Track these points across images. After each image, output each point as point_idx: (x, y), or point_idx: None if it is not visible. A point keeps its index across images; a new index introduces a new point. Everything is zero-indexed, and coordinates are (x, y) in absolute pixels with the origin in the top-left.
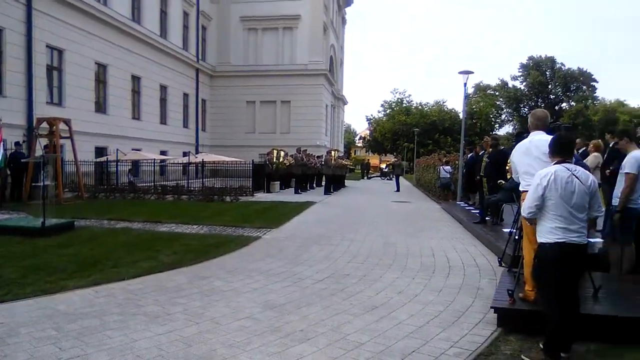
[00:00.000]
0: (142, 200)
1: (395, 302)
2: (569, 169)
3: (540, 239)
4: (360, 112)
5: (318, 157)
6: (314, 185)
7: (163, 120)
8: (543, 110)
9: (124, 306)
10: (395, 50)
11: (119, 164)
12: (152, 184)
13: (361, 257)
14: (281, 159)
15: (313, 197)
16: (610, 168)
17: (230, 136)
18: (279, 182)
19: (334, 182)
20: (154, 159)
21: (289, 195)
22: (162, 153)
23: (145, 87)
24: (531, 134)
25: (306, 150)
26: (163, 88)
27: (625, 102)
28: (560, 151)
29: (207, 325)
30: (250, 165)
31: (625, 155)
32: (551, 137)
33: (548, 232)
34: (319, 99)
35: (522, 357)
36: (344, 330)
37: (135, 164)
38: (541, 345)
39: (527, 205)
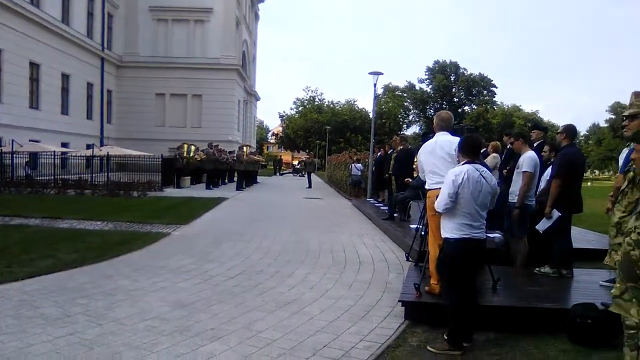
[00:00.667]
0: (41, 195)
1: (307, 298)
2: (477, 170)
3: (445, 235)
4: (273, 109)
5: (230, 152)
6: (226, 180)
7: (65, 110)
8: (447, 112)
9: (19, 308)
10: (308, 48)
11: (14, 155)
12: (52, 177)
13: (274, 254)
14: (192, 154)
15: (225, 192)
16: (507, 168)
17: (138, 129)
18: (189, 177)
19: (246, 178)
20: (54, 151)
21: (200, 191)
22: (64, 145)
23: (45, 75)
24: (436, 134)
25: (218, 145)
26: (65, 77)
27: (520, 107)
28: (470, 152)
29: (111, 327)
30: (160, 160)
31: (519, 156)
32: (455, 138)
33: (455, 228)
34: (231, 93)
35: (428, 347)
36: (255, 328)
37: (34, 156)
38: (445, 336)
39: (442, 202)
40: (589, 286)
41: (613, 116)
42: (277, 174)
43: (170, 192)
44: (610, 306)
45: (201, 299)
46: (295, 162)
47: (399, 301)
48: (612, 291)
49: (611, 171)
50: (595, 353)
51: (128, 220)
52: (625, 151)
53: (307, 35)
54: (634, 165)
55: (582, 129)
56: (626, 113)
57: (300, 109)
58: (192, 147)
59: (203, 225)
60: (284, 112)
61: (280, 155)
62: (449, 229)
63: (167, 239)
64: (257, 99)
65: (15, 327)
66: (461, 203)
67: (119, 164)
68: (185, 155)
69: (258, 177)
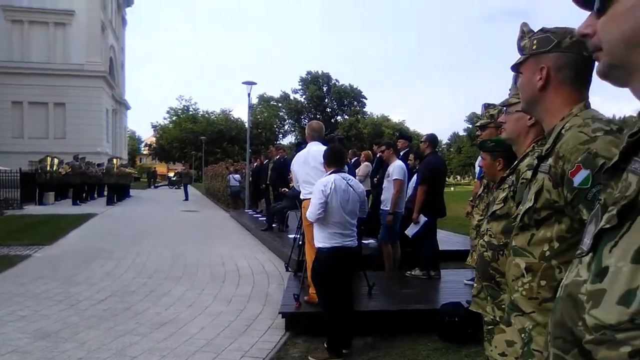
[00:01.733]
0: None
1: (185, 317)
2: (344, 178)
3: (318, 245)
4: (145, 119)
5: (99, 165)
6: (95, 195)
7: None
8: (318, 122)
9: None
10: (181, 56)
11: None
12: None
13: (148, 272)
14: (55, 167)
15: (94, 208)
16: (377, 176)
17: None
18: (53, 193)
19: (118, 192)
20: None
21: (66, 207)
22: None
23: None
24: (309, 144)
25: (84, 157)
26: None
27: (389, 117)
28: (334, 162)
29: None
30: (18, 174)
31: (388, 165)
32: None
33: (327, 237)
34: (97, 102)
35: (309, 357)
36: (130, 353)
37: None
38: (325, 345)
39: (313, 212)
40: (455, 286)
41: (470, 126)
42: (152, 186)
43: (31, 209)
44: (471, 305)
45: (67, 327)
46: (171, 174)
47: (279, 313)
48: (472, 290)
49: (471, 177)
50: (463, 348)
51: None
52: (480, 159)
53: (179, 42)
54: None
55: (444, 137)
56: (478, 124)
57: (174, 118)
58: (56, 160)
59: (69, 244)
60: (157, 122)
61: (155, 167)
62: (321, 239)
63: (27, 261)
64: (128, 108)
65: None
66: (331, 212)
67: None
68: (48, 169)
69: (131, 190)
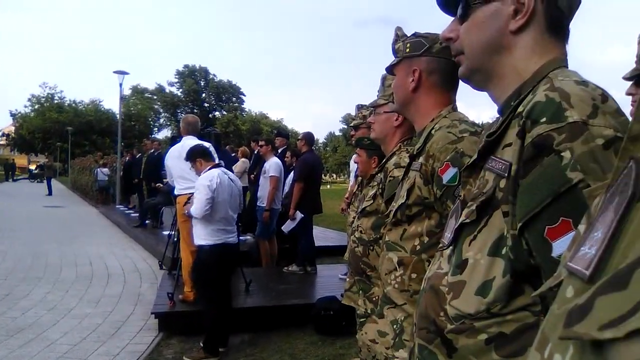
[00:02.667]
0: None
1: (47, 321)
2: (225, 173)
3: (200, 242)
4: (2, 106)
5: None
6: None
7: None
8: (194, 116)
9: None
10: (43, 39)
11: None
12: None
13: (3, 273)
14: None
15: None
16: (254, 173)
17: None
18: None
19: None
20: None
21: None
22: None
23: None
24: (184, 138)
25: None
26: None
27: (267, 115)
28: (205, 155)
29: None
30: None
31: (265, 162)
32: (203, 142)
33: (210, 234)
34: None
35: (184, 358)
36: None
37: None
38: (201, 344)
39: (200, 208)
40: (331, 280)
41: (345, 126)
42: (10, 180)
43: None
44: (343, 298)
45: None
46: (33, 167)
47: (151, 313)
48: (344, 285)
49: (346, 175)
50: (338, 341)
51: None
52: (354, 156)
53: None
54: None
55: (321, 136)
56: (352, 124)
57: (36, 107)
58: None
59: None
60: (17, 110)
61: (13, 159)
62: (204, 235)
63: None
64: None
65: None
66: (217, 208)
67: None
68: None
69: None
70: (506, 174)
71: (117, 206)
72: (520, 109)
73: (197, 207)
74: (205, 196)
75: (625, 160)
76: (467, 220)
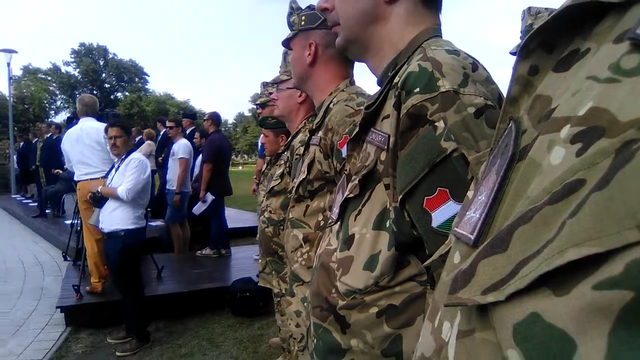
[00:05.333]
0: None
1: None
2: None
3: (124, 226)
4: None
5: None
6: None
7: None
8: (91, 96)
9: None
10: None
11: None
12: None
13: None
14: None
15: None
16: (162, 155)
17: None
18: None
19: None
20: None
21: None
22: None
23: None
24: (81, 120)
25: None
26: None
27: (173, 96)
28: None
29: None
30: None
31: (173, 143)
32: (102, 124)
33: (137, 218)
34: None
35: (118, 354)
36: None
37: None
38: (135, 335)
39: (134, 189)
40: (246, 262)
41: (254, 106)
42: None
43: None
44: (259, 280)
45: None
46: None
47: (57, 307)
48: (258, 266)
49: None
50: (256, 322)
51: None
52: (261, 137)
53: None
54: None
55: (230, 117)
56: (258, 102)
57: None
58: None
59: None
60: None
61: None
62: (128, 220)
63: None
64: None
65: None
66: (145, 191)
67: None
68: None
69: None
70: (385, 147)
71: (13, 196)
72: (396, 79)
73: (131, 188)
74: (140, 180)
75: (505, 121)
76: (351, 195)
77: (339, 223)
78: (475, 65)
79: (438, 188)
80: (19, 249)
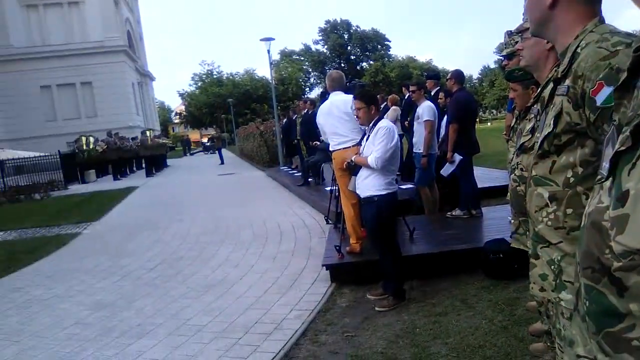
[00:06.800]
0: None
1: (233, 277)
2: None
3: (377, 192)
4: (171, 88)
5: (133, 138)
6: (134, 169)
7: None
8: (337, 71)
9: None
10: (196, 21)
11: None
12: None
13: (193, 237)
14: (92, 146)
15: (134, 181)
16: (408, 119)
17: (28, 127)
18: (94, 171)
19: (154, 163)
20: None
21: (107, 183)
22: None
23: None
24: (331, 94)
25: (118, 133)
26: None
27: (415, 58)
28: (378, 106)
29: (29, 342)
30: (58, 156)
31: (417, 107)
32: (349, 95)
33: (388, 184)
34: (122, 77)
35: (377, 308)
36: (183, 316)
37: None
38: (392, 291)
39: (383, 157)
40: (499, 223)
41: (500, 57)
42: (187, 154)
43: (76, 188)
44: (512, 242)
45: (122, 297)
46: (205, 140)
47: (322, 265)
48: (511, 227)
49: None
50: (511, 284)
51: (33, 225)
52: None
53: (193, 7)
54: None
55: (475, 72)
56: (504, 53)
57: (199, 84)
58: (91, 139)
59: (115, 218)
60: (184, 89)
61: (188, 135)
62: (379, 186)
63: (78, 239)
64: (152, 79)
65: None
66: (395, 157)
67: (16, 167)
68: (84, 148)
69: (167, 160)
70: None
71: (282, 167)
72: None
73: (379, 157)
74: (387, 146)
75: None
76: (623, 148)
77: (610, 179)
78: None
79: None
80: (289, 215)
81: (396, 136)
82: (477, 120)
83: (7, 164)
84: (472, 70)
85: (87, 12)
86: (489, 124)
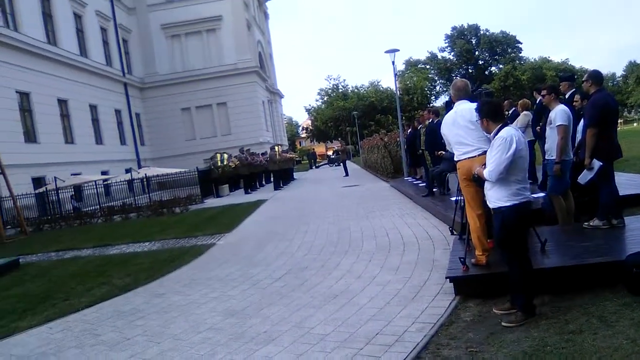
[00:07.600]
0: (89, 225)
1: (355, 288)
2: (517, 130)
3: (502, 203)
4: (298, 104)
5: (262, 154)
6: (263, 182)
7: (99, 140)
8: (462, 79)
9: (81, 338)
10: (321, 37)
11: (59, 191)
12: (98, 206)
13: (317, 248)
14: (225, 162)
15: (263, 194)
16: (540, 124)
17: (171, 146)
18: (227, 185)
19: (282, 176)
20: (95, 181)
21: (239, 197)
22: (103, 173)
23: (74, 109)
24: (456, 104)
25: (249, 149)
26: (93, 108)
27: (549, 58)
28: (500, 115)
29: (168, 344)
30: (196, 172)
31: (549, 111)
32: (474, 104)
33: (513, 194)
34: (254, 96)
35: (503, 324)
36: (307, 325)
37: (78, 189)
38: (520, 307)
39: (497, 170)
40: None
41: None
42: (313, 167)
43: (211, 202)
44: None
45: (251, 304)
46: (330, 153)
47: (446, 277)
48: None
49: None
50: None
51: (174, 236)
52: None
53: (318, 24)
54: None
55: (618, 69)
56: None
57: (325, 99)
58: (225, 155)
59: (245, 230)
60: (310, 105)
61: (314, 148)
62: (505, 197)
63: (213, 249)
64: (281, 96)
65: (80, 356)
66: (518, 168)
67: (159, 183)
68: (219, 164)
69: (295, 173)
70: None
71: (406, 178)
72: None
73: (494, 169)
74: (503, 156)
75: None
76: None
77: None
78: None
79: None
80: (412, 225)
81: (513, 145)
82: (621, 121)
83: (152, 180)
84: (614, 68)
85: (223, 38)
86: (635, 124)
